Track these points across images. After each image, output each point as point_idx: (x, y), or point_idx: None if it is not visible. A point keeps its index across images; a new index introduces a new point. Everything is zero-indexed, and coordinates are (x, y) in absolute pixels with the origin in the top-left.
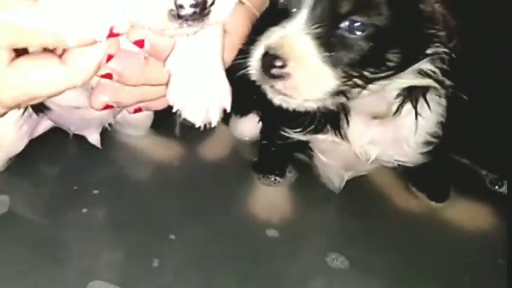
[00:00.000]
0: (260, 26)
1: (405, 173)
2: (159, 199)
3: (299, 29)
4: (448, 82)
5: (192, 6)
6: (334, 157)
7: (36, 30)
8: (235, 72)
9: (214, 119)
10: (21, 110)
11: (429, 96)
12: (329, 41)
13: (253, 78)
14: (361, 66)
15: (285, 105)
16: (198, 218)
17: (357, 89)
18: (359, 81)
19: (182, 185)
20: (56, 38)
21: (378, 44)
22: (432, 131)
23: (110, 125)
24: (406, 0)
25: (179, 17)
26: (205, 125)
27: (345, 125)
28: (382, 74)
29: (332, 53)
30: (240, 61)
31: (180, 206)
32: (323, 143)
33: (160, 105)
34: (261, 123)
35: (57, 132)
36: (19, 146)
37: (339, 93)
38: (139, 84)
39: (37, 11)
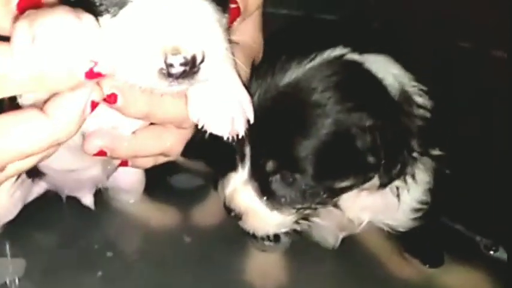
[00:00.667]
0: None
1: (398, 238)
2: (150, 266)
3: (243, 182)
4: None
5: (182, 64)
6: (329, 220)
7: (11, 74)
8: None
9: (241, 128)
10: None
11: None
12: (268, 190)
13: None
14: (308, 203)
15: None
16: (191, 283)
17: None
18: (318, 206)
19: (176, 250)
20: (34, 82)
21: (313, 187)
22: (420, 199)
23: (101, 190)
24: (337, 147)
25: (169, 75)
26: (232, 138)
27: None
28: (344, 193)
29: (274, 200)
30: None
31: (172, 272)
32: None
33: (146, 164)
34: None
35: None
36: (12, 212)
37: (304, 217)
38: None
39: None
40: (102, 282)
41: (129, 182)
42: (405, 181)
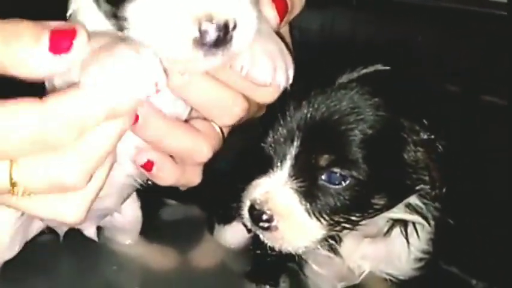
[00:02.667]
0: (249, 169)
1: (398, 285)
2: None
3: (282, 183)
4: (434, 214)
5: (216, 30)
6: (327, 268)
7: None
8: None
9: (282, 80)
10: (19, 212)
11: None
12: (311, 193)
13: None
14: (347, 212)
15: (277, 250)
16: None
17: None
18: (347, 225)
19: None
20: (107, 115)
21: (360, 192)
22: (423, 249)
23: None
24: (387, 153)
25: (203, 45)
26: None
27: (337, 243)
28: (370, 215)
29: (315, 204)
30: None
31: None
32: (317, 254)
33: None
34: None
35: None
36: (14, 249)
37: (328, 238)
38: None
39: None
40: None
41: (126, 221)
42: (416, 230)
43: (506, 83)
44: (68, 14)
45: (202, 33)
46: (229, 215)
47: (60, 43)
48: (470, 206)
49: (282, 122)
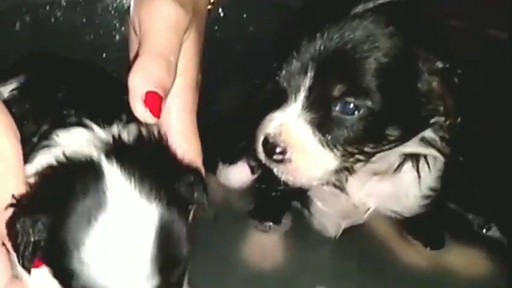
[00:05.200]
0: (263, 107)
1: (400, 222)
2: None
3: (295, 115)
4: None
5: None
6: (332, 205)
7: None
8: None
9: None
10: None
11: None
12: (325, 123)
13: (261, 159)
14: (361, 143)
15: (291, 183)
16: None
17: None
18: (361, 157)
19: None
20: None
21: (374, 123)
22: (432, 186)
23: None
24: (401, 82)
25: None
26: None
27: (344, 179)
28: (384, 147)
29: (329, 135)
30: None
31: None
32: (322, 191)
33: None
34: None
35: None
36: None
37: (342, 169)
38: None
39: None
40: None
41: None
42: (428, 165)
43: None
44: None
45: None
46: (234, 155)
47: None
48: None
49: (295, 55)
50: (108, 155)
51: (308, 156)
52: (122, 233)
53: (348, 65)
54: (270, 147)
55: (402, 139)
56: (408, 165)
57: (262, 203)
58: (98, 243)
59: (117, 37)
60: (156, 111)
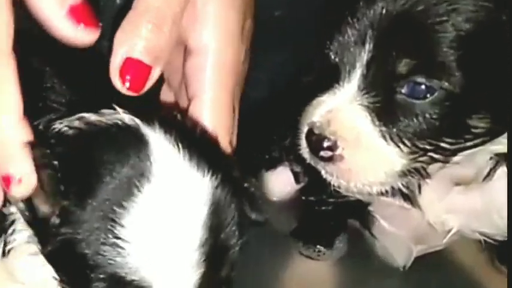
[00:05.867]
0: (308, 89)
1: (491, 247)
2: None
3: (349, 99)
4: None
5: None
6: (401, 225)
7: None
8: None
9: None
10: None
11: None
12: (388, 110)
13: (306, 158)
14: (435, 137)
15: (344, 191)
16: None
17: (438, 164)
18: (436, 156)
19: None
20: None
21: (452, 110)
22: None
23: None
24: (488, 56)
25: None
26: None
27: (416, 188)
28: (468, 144)
29: (393, 126)
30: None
31: None
32: (388, 207)
33: None
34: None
35: None
36: None
37: (410, 172)
38: None
39: None
40: None
41: None
42: None
43: None
44: None
45: None
46: (273, 157)
47: None
48: None
49: (350, 21)
50: (147, 121)
51: (365, 153)
52: (168, 209)
53: (417, 34)
54: (315, 140)
55: (491, 133)
56: (503, 171)
57: (309, 220)
58: (138, 218)
59: None
60: (139, 84)
